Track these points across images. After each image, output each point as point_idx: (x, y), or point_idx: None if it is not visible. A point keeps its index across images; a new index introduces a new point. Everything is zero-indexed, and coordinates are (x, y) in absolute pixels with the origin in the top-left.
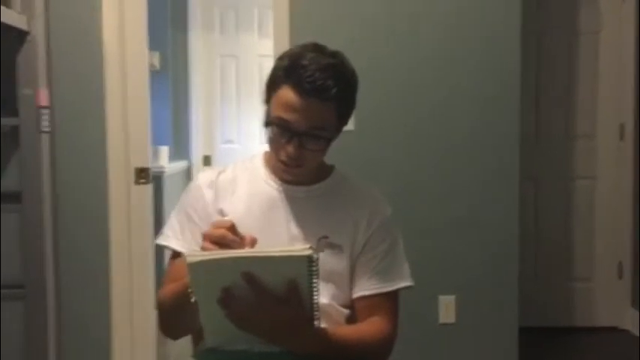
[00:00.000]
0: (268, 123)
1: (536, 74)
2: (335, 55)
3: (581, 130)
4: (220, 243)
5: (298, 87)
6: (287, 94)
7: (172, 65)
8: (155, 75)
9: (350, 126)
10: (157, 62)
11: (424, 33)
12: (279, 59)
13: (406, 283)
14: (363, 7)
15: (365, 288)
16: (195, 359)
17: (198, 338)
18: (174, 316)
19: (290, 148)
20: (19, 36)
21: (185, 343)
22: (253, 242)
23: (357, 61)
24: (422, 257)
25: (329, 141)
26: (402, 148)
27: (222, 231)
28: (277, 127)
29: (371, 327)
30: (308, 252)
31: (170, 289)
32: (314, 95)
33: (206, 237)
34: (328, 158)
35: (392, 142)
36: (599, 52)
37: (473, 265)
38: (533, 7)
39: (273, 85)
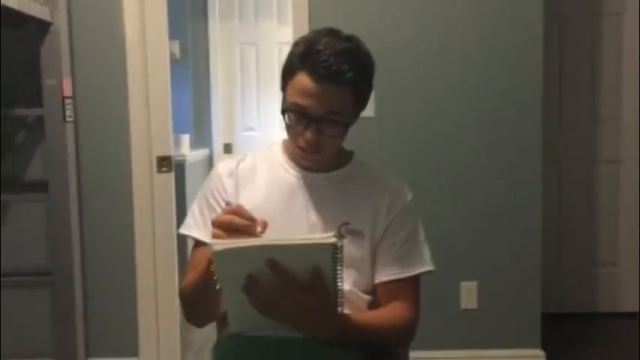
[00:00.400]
0: (285, 110)
1: (560, 57)
2: (350, 39)
3: (606, 113)
4: (229, 229)
5: (314, 72)
6: (303, 80)
7: (192, 54)
8: (175, 64)
9: (370, 112)
10: (177, 51)
11: (445, 18)
12: (294, 45)
13: (427, 267)
14: None
15: (386, 274)
16: (219, 345)
17: (222, 325)
18: (197, 304)
19: (308, 134)
20: (42, 27)
21: (210, 329)
22: (264, 225)
23: (375, 48)
24: (444, 243)
25: (346, 126)
26: (422, 134)
27: (230, 216)
28: (294, 113)
29: (393, 312)
30: (332, 239)
31: (191, 277)
32: (329, 80)
33: (214, 223)
34: (347, 144)
35: (412, 127)
36: (623, 34)
37: (495, 250)
38: None
39: (288, 71)
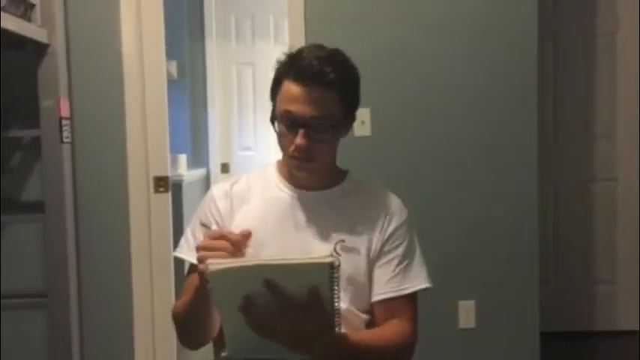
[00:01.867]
0: (274, 118)
1: (554, 77)
2: (335, 50)
3: (601, 132)
4: (210, 248)
5: (298, 76)
6: (289, 86)
7: (189, 74)
8: (172, 84)
9: (366, 131)
10: (174, 71)
11: (440, 39)
12: (279, 60)
13: (425, 285)
14: (379, 15)
15: (383, 291)
16: None
17: (219, 347)
18: (189, 327)
19: (298, 140)
20: (40, 49)
21: (206, 352)
22: (247, 235)
23: (372, 67)
24: (441, 262)
25: (335, 129)
26: (418, 153)
27: (206, 240)
28: (283, 120)
29: (391, 330)
30: (329, 259)
31: (183, 299)
32: (314, 82)
33: (198, 248)
34: (345, 163)
35: (408, 147)
36: (617, 54)
37: (492, 269)
38: (550, 10)
39: (276, 84)
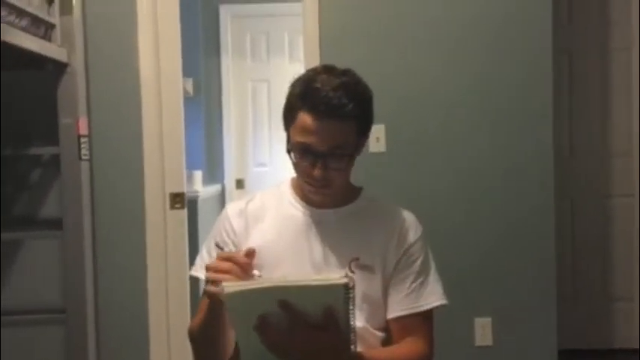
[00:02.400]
0: (290, 150)
1: (570, 92)
2: (346, 73)
3: (618, 148)
4: (219, 270)
5: (314, 110)
6: (305, 119)
7: (205, 91)
8: (188, 101)
9: (381, 147)
10: (190, 88)
11: (454, 56)
12: (292, 87)
13: (440, 302)
14: (393, 32)
15: (399, 309)
16: None
17: None
18: (204, 347)
19: (315, 171)
20: (59, 68)
21: None
22: (251, 254)
23: (387, 84)
24: (457, 279)
25: (352, 157)
26: (433, 169)
27: (215, 262)
28: (299, 151)
29: (407, 348)
30: (344, 280)
31: (197, 319)
32: (331, 115)
33: (207, 269)
34: (359, 180)
35: (423, 163)
36: (632, 68)
37: (509, 286)
38: (565, 25)
39: (290, 112)
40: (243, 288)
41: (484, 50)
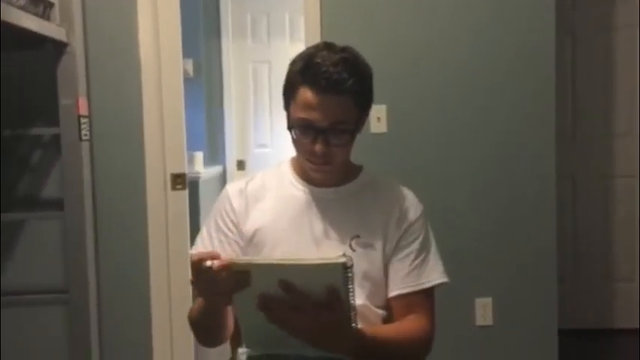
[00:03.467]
0: (291, 126)
1: (573, 72)
2: (345, 49)
3: (621, 128)
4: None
5: (315, 85)
6: (305, 94)
7: (206, 72)
8: (189, 82)
9: (382, 128)
10: (190, 69)
11: (457, 35)
12: (292, 63)
13: (442, 279)
14: (395, 10)
15: (401, 286)
16: None
17: (236, 344)
18: (205, 327)
19: (316, 147)
20: (59, 48)
21: (224, 348)
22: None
23: (388, 63)
24: (458, 259)
25: (352, 134)
26: (435, 150)
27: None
28: (300, 128)
29: (409, 325)
30: (342, 259)
31: (196, 307)
32: (331, 90)
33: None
34: (361, 160)
35: (425, 143)
36: (637, 47)
37: (510, 266)
38: (568, 3)
39: (290, 88)
40: (244, 262)
41: (487, 32)
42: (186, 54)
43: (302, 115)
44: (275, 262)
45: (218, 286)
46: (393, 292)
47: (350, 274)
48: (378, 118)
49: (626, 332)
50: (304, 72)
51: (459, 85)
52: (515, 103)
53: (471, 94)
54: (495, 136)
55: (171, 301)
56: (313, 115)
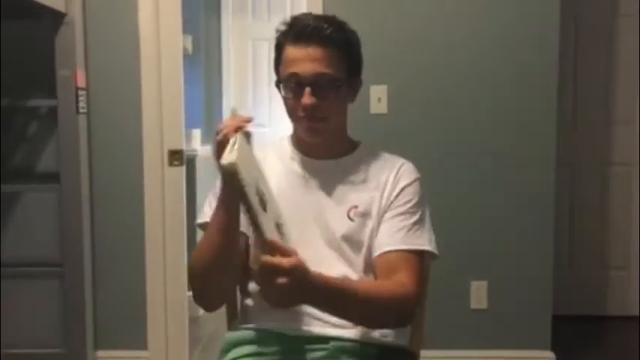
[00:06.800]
0: (278, 83)
1: (575, 58)
2: (330, 15)
3: (620, 116)
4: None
5: (297, 38)
6: (290, 50)
7: (205, 49)
8: (187, 58)
9: (383, 109)
10: (189, 46)
11: (459, 16)
12: (278, 29)
13: (432, 248)
14: None
15: (389, 243)
16: (231, 333)
17: (232, 318)
18: (206, 277)
19: (304, 99)
20: (57, 18)
21: (217, 324)
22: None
23: (390, 44)
24: (454, 242)
25: (339, 88)
26: (434, 132)
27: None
28: (288, 84)
29: (392, 283)
30: (228, 161)
31: (201, 244)
32: (313, 40)
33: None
34: (361, 140)
35: (425, 125)
36: (638, 35)
37: (506, 250)
38: None
39: (277, 52)
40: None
41: (490, 14)
42: (185, 30)
43: (288, 70)
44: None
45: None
46: (381, 249)
47: (239, 182)
48: (378, 99)
49: (620, 319)
50: (287, 31)
51: (460, 69)
52: (517, 89)
53: (472, 77)
54: (496, 120)
55: (166, 276)
56: (298, 68)
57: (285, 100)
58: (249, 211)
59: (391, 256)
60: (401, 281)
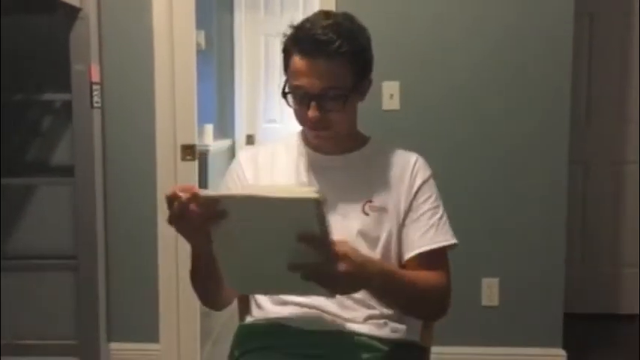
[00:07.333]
0: (285, 93)
1: (589, 56)
2: (340, 14)
3: (634, 114)
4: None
5: (303, 50)
6: (296, 61)
7: (217, 44)
8: (200, 54)
9: (395, 105)
10: (202, 41)
11: (472, 13)
12: (285, 33)
13: (454, 240)
14: None
15: (421, 244)
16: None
17: (244, 312)
18: (201, 280)
19: (311, 113)
20: (72, 13)
21: (229, 316)
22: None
23: (403, 40)
24: (466, 239)
25: (347, 98)
26: (447, 128)
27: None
28: (294, 95)
29: (427, 274)
30: (315, 195)
31: (191, 259)
32: (319, 54)
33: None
34: (372, 136)
35: (437, 121)
36: None
37: (518, 247)
38: None
39: (285, 57)
40: (215, 194)
41: (504, 11)
42: (198, 25)
43: (295, 82)
44: (246, 194)
45: (190, 220)
46: (410, 253)
47: (323, 211)
48: (390, 95)
49: (632, 318)
50: (294, 39)
51: (473, 65)
52: (531, 85)
53: (485, 73)
54: (509, 118)
55: (179, 270)
56: (304, 82)
57: (294, 110)
58: (327, 233)
59: (424, 258)
60: (436, 275)
